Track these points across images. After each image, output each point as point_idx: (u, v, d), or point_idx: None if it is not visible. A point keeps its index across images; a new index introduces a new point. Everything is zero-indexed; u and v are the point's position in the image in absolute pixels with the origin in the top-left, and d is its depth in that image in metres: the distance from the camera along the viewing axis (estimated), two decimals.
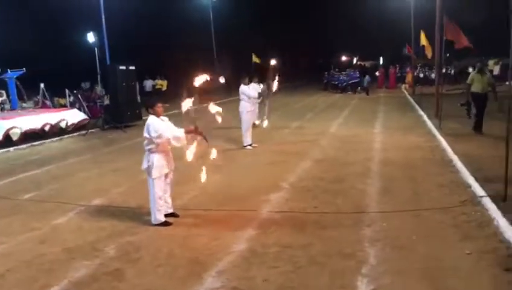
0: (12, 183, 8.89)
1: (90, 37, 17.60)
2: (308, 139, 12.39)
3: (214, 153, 6.00)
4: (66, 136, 14.94)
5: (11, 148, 12.74)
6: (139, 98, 19.37)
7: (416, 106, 19.25)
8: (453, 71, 35.72)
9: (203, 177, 6.00)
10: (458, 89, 23.10)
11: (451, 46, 12.86)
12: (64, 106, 18.52)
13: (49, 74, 20.71)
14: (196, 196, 7.22)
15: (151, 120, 5.74)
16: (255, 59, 25.40)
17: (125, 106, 16.64)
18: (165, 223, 5.89)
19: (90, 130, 15.69)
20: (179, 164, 6.20)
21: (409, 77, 32.75)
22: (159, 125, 5.67)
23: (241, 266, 4.62)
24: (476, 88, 11.42)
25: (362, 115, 17.83)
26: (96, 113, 17.76)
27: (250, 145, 11.22)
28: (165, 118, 5.97)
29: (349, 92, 30.75)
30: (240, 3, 43.81)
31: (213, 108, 6.04)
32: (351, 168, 8.69)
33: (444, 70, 29.64)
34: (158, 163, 5.81)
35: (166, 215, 6.01)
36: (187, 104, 5.58)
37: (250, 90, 11.49)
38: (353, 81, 31.55)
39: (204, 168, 6.01)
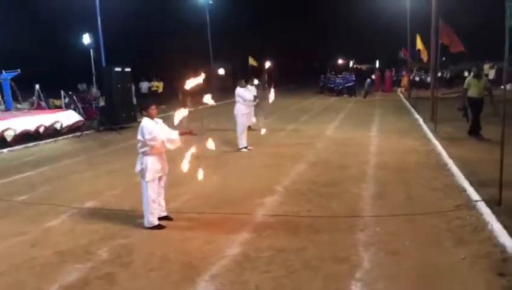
0: (6, 184, 8.83)
1: (86, 39, 17.53)
2: (303, 142, 12.37)
3: (210, 144, 5.93)
4: (60, 137, 14.87)
5: (5, 150, 12.67)
6: (134, 99, 19.35)
7: (412, 110, 19.28)
8: (448, 75, 35.81)
9: (200, 176, 5.95)
10: (454, 93, 23.23)
11: (447, 50, 12.88)
12: (59, 107, 18.44)
13: (45, 75, 20.62)
14: (190, 198, 7.19)
15: (145, 122, 5.71)
16: (251, 62, 25.37)
17: (120, 107, 16.60)
18: (158, 227, 5.85)
19: (85, 132, 15.64)
20: (172, 167, 6.16)
21: (404, 81, 32.79)
22: (153, 128, 5.64)
23: (235, 270, 4.59)
24: (472, 93, 11.40)
25: (358, 118, 17.84)
26: (91, 115, 17.69)
27: (245, 147, 11.19)
28: (160, 120, 5.93)
29: (345, 95, 30.77)
30: (236, 5, 43.81)
31: (207, 99, 5.97)
32: (345, 172, 8.67)
33: (439, 74, 29.75)
34: (152, 166, 5.77)
35: (159, 219, 5.98)
36: (180, 114, 5.56)
37: (246, 92, 11.48)
38: (349, 84, 31.56)
39: (199, 170, 5.96)
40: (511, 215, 5.59)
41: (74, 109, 17.66)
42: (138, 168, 5.85)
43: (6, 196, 7.87)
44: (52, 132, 14.85)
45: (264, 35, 49.42)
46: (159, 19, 33.96)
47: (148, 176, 5.76)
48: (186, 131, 5.81)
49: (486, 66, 28.13)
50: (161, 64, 30.58)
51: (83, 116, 17.17)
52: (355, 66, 72.63)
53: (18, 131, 13.46)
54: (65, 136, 15.09)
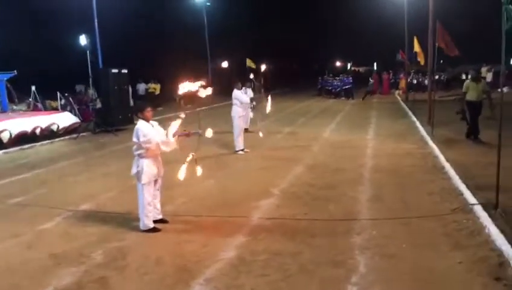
0: (1, 186, 8.78)
1: (83, 40, 17.48)
2: (300, 144, 12.35)
3: (209, 132, 5.89)
4: (57, 139, 14.81)
5: (0, 151, 12.59)
6: (131, 101, 19.30)
7: (409, 112, 19.28)
8: (444, 78, 35.87)
9: (199, 172, 5.89)
10: (451, 95, 23.24)
11: (443, 52, 12.92)
12: (55, 109, 18.36)
13: (41, 76, 20.54)
14: (186, 201, 7.15)
15: (140, 125, 5.68)
16: (249, 64, 25.37)
17: (117, 109, 16.55)
18: (154, 230, 5.82)
19: (81, 134, 15.58)
20: (168, 169, 6.12)
21: (402, 83, 32.84)
22: (147, 130, 5.61)
23: (230, 274, 4.56)
24: (470, 96, 11.35)
25: (355, 120, 17.83)
26: (87, 117, 17.63)
27: (242, 150, 11.16)
28: (155, 123, 5.91)
29: (343, 98, 30.77)
30: (234, 6, 43.83)
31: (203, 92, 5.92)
32: (342, 175, 8.65)
33: (436, 77, 29.80)
34: (148, 168, 5.74)
35: (155, 222, 5.94)
36: (175, 126, 5.54)
37: (243, 95, 11.47)
38: (346, 86, 31.57)
39: (197, 168, 5.92)
40: (507, 219, 5.57)
41: (70, 111, 17.58)
42: (134, 170, 5.82)
43: (1, 198, 7.82)
44: (48, 134, 14.78)
45: (262, 37, 49.43)
46: (156, 20, 33.92)
47: (144, 178, 5.73)
48: (182, 133, 5.77)
49: (483, 69, 28.11)
50: (159, 66, 30.55)
51: (79, 118, 17.09)
52: (353, 68, 72.88)
53: (14, 133, 13.39)
54: (61, 138, 15.02)
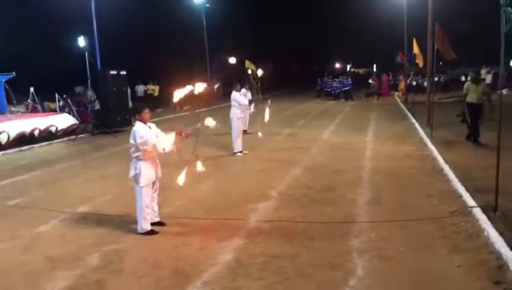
0: None
1: (81, 42, 17.45)
2: (299, 146, 12.32)
3: (210, 121, 5.88)
4: (55, 141, 14.78)
5: None
6: (130, 103, 19.27)
7: (409, 114, 19.24)
8: (444, 79, 35.86)
9: (198, 167, 5.85)
10: (450, 97, 23.23)
11: (441, 56, 12.93)
12: (54, 111, 18.34)
13: (40, 78, 20.50)
14: (184, 203, 7.12)
15: (137, 127, 5.65)
16: (248, 65, 25.32)
17: (115, 111, 16.51)
18: (151, 232, 5.78)
19: (79, 135, 15.55)
20: (166, 171, 6.09)
21: (401, 85, 32.84)
22: (144, 132, 5.58)
23: (227, 277, 4.53)
24: (471, 98, 11.28)
25: (354, 122, 17.80)
26: (86, 118, 17.60)
27: (240, 152, 11.13)
28: (153, 125, 5.88)
29: (342, 99, 30.76)
30: (233, 8, 43.80)
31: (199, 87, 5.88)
32: (341, 177, 8.62)
33: (436, 79, 29.77)
34: (146, 171, 5.71)
35: (152, 224, 5.91)
36: (171, 140, 5.51)
37: (241, 97, 11.45)
38: (346, 88, 31.57)
39: (192, 174, 5.89)
40: (507, 221, 5.53)
41: (69, 112, 17.55)
42: (132, 173, 5.79)
43: None
44: (46, 135, 14.74)
45: (261, 39, 49.46)
46: (155, 22, 33.83)
47: (142, 181, 5.70)
48: (179, 134, 5.73)
49: (483, 71, 28.10)
50: (158, 67, 30.51)
51: (77, 120, 17.06)
52: (352, 70, 72.92)
53: (12, 134, 13.35)
54: (60, 140, 14.99)
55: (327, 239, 5.45)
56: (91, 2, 20.53)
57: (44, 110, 18.44)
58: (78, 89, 21.81)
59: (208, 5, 35.91)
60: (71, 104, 18.62)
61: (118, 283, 4.50)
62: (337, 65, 71.75)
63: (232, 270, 4.66)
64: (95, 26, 20.74)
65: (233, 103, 11.40)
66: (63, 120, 15.91)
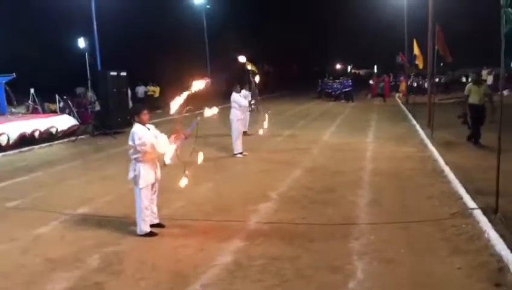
0: None
1: (81, 43, 17.45)
2: (300, 147, 12.31)
3: (209, 111, 5.86)
4: (55, 142, 14.75)
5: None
6: (131, 104, 19.26)
7: (409, 115, 19.23)
8: (444, 80, 35.86)
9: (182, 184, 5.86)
10: (450, 98, 23.21)
11: (440, 57, 12.93)
12: (54, 112, 18.34)
13: (40, 79, 20.50)
14: (183, 205, 7.10)
15: (136, 128, 5.64)
16: (249, 66, 25.29)
17: (115, 112, 16.49)
18: (150, 234, 5.77)
19: (79, 136, 15.53)
20: (165, 173, 6.08)
21: (402, 86, 32.82)
22: (142, 133, 5.57)
23: (226, 279, 4.51)
24: (473, 100, 11.19)
25: (355, 123, 17.78)
26: (86, 119, 17.59)
27: (240, 153, 11.11)
28: (152, 126, 5.87)
29: (343, 100, 30.76)
30: (234, 9, 43.80)
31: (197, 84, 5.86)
32: (341, 178, 8.60)
33: (436, 80, 29.75)
34: (145, 172, 5.70)
35: (152, 226, 5.89)
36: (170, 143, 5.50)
37: (241, 98, 11.44)
38: (346, 89, 31.57)
39: (192, 176, 5.89)
40: (507, 223, 5.51)
41: (69, 114, 17.55)
42: (131, 175, 5.77)
43: None
44: (47, 137, 14.73)
45: (262, 40, 49.45)
46: (156, 23, 33.85)
47: (142, 183, 5.68)
48: (178, 135, 5.71)
49: (484, 72, 28.12)
50: (158, 68, 30.52)
51: (77, 121, 17.05)
52: (353, 71, 72.93)
53: (12, 136, 13.33)
54: (60, 141, 14.98)
55: (327, 241, 5.43)
56: (91, 2, 20.52)
57: (44, 112, 18.43)
58: (79, 90, 21.81)
59: (208, 6, 35.93)
60: (71, 105, 18.62)
61: (117, 285, 4.48)
62: (338, 66, 71.80)
63: (231, 272, 4.65)
64: (95, 27, 20.75)
65: (233, 104, 11.38)
66: (63, 121, 15.90)
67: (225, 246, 5.35)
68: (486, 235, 5.28)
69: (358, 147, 11.99)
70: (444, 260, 4.79)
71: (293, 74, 63.00)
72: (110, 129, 15.86)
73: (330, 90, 33.46)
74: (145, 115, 5.76)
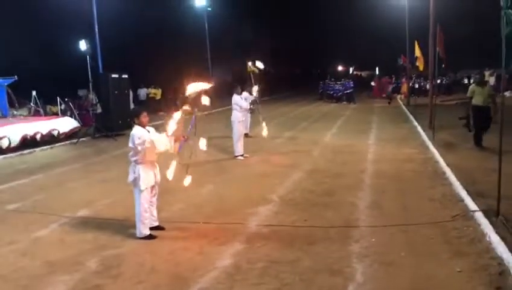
0: None
1: (82, 45, 17.47)
2: (300, 149, 12.28)
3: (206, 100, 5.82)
4: (57, 144, 14.75)
5: (0, 157, 12.53)
6: (132, 106, 19.27)
7: (411, 117, 19.18)
8: (445, 81, 35.78)
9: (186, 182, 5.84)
10: (452, 100, 23.16)
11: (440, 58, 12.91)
12: (56, 114, 18.36)
13: (42, 81, 20.53)
14: (183, 207, 7.08)
15: (135, 130, 5.62)
16: (250, 68, 25.27)
17: (117, 114, 16.50)
18: (150, 237, 5.75)
19: (81, 139, 15.54)
20: (165, 175, 6.05)
21: (404, 88, 32.79)
22: (142, 133, 5.55)
23: (225, 282, 4.48)
24: (477, 101, 11.05)
25: (356, 125, 17.74)
26: (88, 121, 17.60)
27: (241, 155, 11.08)
28: (151, 129, 5.85)
29: (344, 102, 30.72)
30: (234, 9, 43.81)
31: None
32: (342, 180, 8.57)
33: (438, 81, 29.67)
34: (144, 174, 5.68)
35: (151, 229, 5.88)
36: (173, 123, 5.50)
37: (243, 100, 11.43)
38: (348, 91, 31.53)
39: (191, 177, 5.86)
40: (509, 226, 5.47)
41: (70, 116, 17.57)
42: (131, 178, 5.76)
43: None
44: (49, 139, 14.73)
45: (263, 41, 49.45)
46: (157, 25, 33.88)
47: (142, 185, 5.66)
48: (178, 136, 5.69)
49: (486, 73, 28.03)
50: (160, 71, 30.52)
51: (79, 123, 17.05)
52: (355, 72, 72.87)
53: (14, 139, 13.31)
54: (61, 143, 14.97)
55: (327, 244, 5.40)
56: (93, 5, 20.55)
57: (46, 114, 18.45)
58: (82, 92, 21.85)
59: (209, 9, 35.93)
60: (73, 108, 18.63)
61: (116, 288, 4.46)
62: (340, 68, 71.72)
63: (230, 275, 4.62)
64: (96, 29, 20.76)
65: (234, 106, 11.38)
66: (65, 123, 15.91)
67: (225, 249, 5.33)
68: (487, 238, 5.24)
69: (359, 149, 11.96)
70: (445, 263, 4.75)
71: (294, 76, 62.97)
72: (111, 131, 15.86)
73: (332, 92, 33.42)
74: (144, 117, 5.75)
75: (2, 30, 21.78)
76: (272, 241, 5.55)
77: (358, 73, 74.69)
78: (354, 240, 5.46)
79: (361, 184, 8.25)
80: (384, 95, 33.87)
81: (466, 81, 35.04)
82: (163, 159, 5.88)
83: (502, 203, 5.91)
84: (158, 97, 26.96)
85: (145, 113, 5.78)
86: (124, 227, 6.18)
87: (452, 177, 8.09)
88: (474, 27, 39.29)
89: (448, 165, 9.07)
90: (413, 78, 34.22)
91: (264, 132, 11.51)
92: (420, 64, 18.99)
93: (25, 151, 13.36)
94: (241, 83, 13.11)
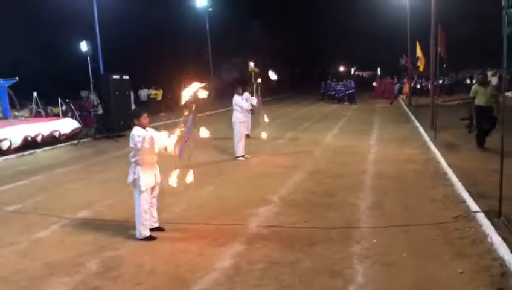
0: None
1: (83, 46, 17.49)
2: (302, 150, 12.25)
3: (203, 132, 5.79)
4: (58, 145, 14.75)
5: (1, 158, 12.52)
6: (133, 107, 19.27)
7: (413, 117, 19.14)
8: (447, 82, 35.73)
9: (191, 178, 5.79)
10: (454, 100, 23.12)
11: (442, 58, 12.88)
12: (57, 115, 18.36)
13: (43, 82, 20.54)
14: (184, 209, 7.06)
15: (136, 131, 5.60)
16: (251, 69, 25.26)
17: (118, 115, 16.50)
18: (150, 238, 5.73)
19: (82, 140, 15.53)
20: (166, 176, 6.03)
21: (406, 88, 32.75)
22: (142, 133, 5.53)
23: (225, 284, 4.46)
24: (479, 101, 10.97)
25: (358, 126, 17.72)
26: (89, 123, 17.60)
27: (242, 156, 11.06)
28: (151, 130, 5.82)
29: (346, 103, 30.69)
30: (236, 11, 43.83)
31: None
32: (343, 181, 8.54)
33: (440, 82, 29.63)
34: (144, 175, 5.66)
35: (151, 230, 5.86)
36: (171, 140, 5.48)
37: (244, 101, 11.41)
38: (349, 91, 31.50)
39: (192, 178, 5.82)
40: (511, 227, 5.44)
41: (71, 117, 17.57)
42: (130, 178, 5.74)
43: None
44: (50, 140, 14.73)
45: (265, 42, 49.47)
46: (158, 26, 33.89)
47: (142, 186, 5.64)
48: (179, 138, 5.66)
49: (489, 74, 27.99)
50: (161, 72, 30.53)
51: (80, 123, 17.05)
52: (356, 73, 72.80)
53: (15, 141, 13.30)
54: (62, 144, 14.97)
55: (328, 245, 5.37)
56: (93, 6, 20.57)
57: (47, 115, 18.46)
58: (84, 93, 21.86)
59: (210, 9, 35.93)
60: (74, 109, 18.63)
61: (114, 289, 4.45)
62: (341, 68, 71.68)
63: (230, 277, 4.60)
64: (97, 30, 20.77)
65: (235, 107, 11.36)
66: (66, 125, 15.89)
67: (225, 250, 5.30)
68: (489, 239, 5.21)
69: (360, 150, 11.92)
70: (447, 264, 4.72)
71: (296, 76, 62.95)
72: (112, 132, 15.86)
73: (333, 93, 33.40)
74: (145, 119, 5.72)
75: (3, 30, 21.81)
76: (272, 242, 5.53)
77: (360, 73, 74.58)
78: (355, 241, 5.44)
79: (363, 185, 8.22)
80: (386, 96, 33.86)
81: (468, 81, 34.95)
82: (165, 162, 5.84)
83: (504, 204, 5.89)
84: (159, 98, 26.98)
85: (145, 115, 5.76)
86: (124, 228, 6.16)
87: (454, 178, 8.06)
88: (476, 27, 39.22)
89: (449, 165, 9.04)
90: (415, 78, 34.18)
91: (263, 135, 11.49)
92: (421, 64, 18.97)
93: (26, 153, 13.36)
94: (242, 84, 13.09)
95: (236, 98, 11.40)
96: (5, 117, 16.58)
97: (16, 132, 13.58)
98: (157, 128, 6.05)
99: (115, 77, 16.83)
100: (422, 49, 19.02)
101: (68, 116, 17.51)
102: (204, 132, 5.82)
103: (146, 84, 27.05)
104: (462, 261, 4.77)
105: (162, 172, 5.93)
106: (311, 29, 63.79)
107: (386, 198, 7.28)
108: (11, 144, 13.15)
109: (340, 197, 7.46)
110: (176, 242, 5.63)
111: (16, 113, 17.71)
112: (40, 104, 18.57)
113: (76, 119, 17.43)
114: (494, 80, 27.53)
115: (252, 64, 12.35)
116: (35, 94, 18.23)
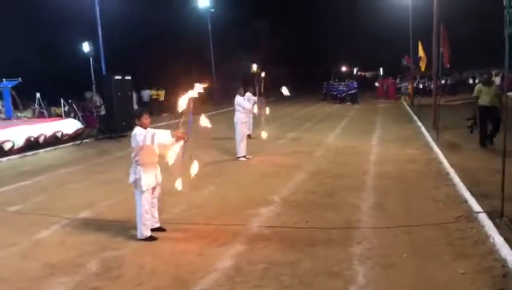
0: (1, 194, 8.71)
1: (85, 47, 17.52)
2: (303, 150, 12.22)
3: (203, 121, 5.69)
4: (60, 145, 14.78)
5: (4, 159, 12.55)
6: (136, 107, 19.29)
7: (415, 117, 19.10)
8: (450, 82, 35.67)
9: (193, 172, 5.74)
10: (457, 100, 23.06)
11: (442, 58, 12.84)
12: (60, 116, 18.40)
13: (46, 83, 20.59)
14: (185, 209, 7.05)
15: (137, 130, 5.58)
16: (253, 69, 25.28)
17: (120, 115, 16.52)
18: (151, 238, 5.72)
19: (84, 140, 15.55)
20: (167, 176, 6.03)
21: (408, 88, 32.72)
22: (142, 131, 5.51)
23: (225, 284, 4.45)
24: (483, 101, 10.90)
25: (360, 126, 17.69)
26: (91, 123, 17.63)
27: (243, 156, 11.05)
28: (152, 130, 5.80)
29: (348, 103, 30.66)
30: (237, 12, 43.82)
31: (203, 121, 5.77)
32: (345, 182, 8.52)
33: (443, 82, 29.56)
34: (146, 175, 5.65)
35: (152, 230, 5.85)
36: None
37: (245, 101, 11.40)
38: (352, 91, 31.47)
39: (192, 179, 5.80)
40: None
41: (74, 117, 17.60)
42: (132, 178, 5.73)
43: (0, 205, 7.75)
44: (52, 140, 14.75)
45: (267, 42, 49.44)
46: (161, 27, 33.94)
47: (143, 186, 5.64)
48: (179, 135, 5.62)
49: (493, 73, 27.96)
50: (163, 72, 30.58)
51: (82, 124, 17.08)
52: (359, 73, 72.71)
53: (18, 141, 13.31)
54: (65, 145, 15.00)
55: (329, 245, 5.36)
56: (96, 7, 20.61)
57: (50, 115, 18.50)
58: (88, 94, 21.89)
59: (212, 10, 35.99)
60: (76, 110, 18.66)
61: None
62: (344, 68, 71.60)
63: (230, 277, 4.59)
64: (99, 31, 20.81)
65: (237, 107, 11.34)
66: (69, 125, 15.93)
67: (226, 250, 5.29)
68: (491, 240, 5.18)
69: (362, 150, 11.89)
70: (448, 265, 4.70)
71: (298, 76, 62.88)
72: (114, 133, 15.88)
73: (336, 93, 33.37)
74: (146, 119, 5.72)
75: (3, 30, 21.86)
76: (272, 242, 5.51)
77: (362, 74, 74.50)
78: (356, 242, 5.42)
79: (364, 185, 8.20)
80: (389, 96, 33.82)
81: (471, 81, 34.90)
82: (166, 164, 5.82)
83: (506, 205, 5.85)
84: (161, 99, 27.01)
85: (146, 115, 5.75)
86: (125, 228, 6.16)
87: (456, 178, 8.02)
88: (478, 26, 39.13)
89: (452, 166, 9.01)
90: (417, 78, 34.12)
91: (263, 134, 11.47)
92: (422, 64, 18.92)
93: (28, 153, 13.38)
94: (245, 84, 13.07)
95: (238, 99, 11.38)
96: (8, 118, 16.62)
97: (18, 132, 13.60)
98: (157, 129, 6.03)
99: (117, 77, 16.87)
100: (424, 49, 18.97)
101: (71, 117, 17.51)
102: (204, 121, 5.68)
103: (148, 85, 27.08)
104: (463, 262, 4.74)
105: (163, 173, 5.92)
106: (313, 29, 63.78)
107: (387, 198, 7.26)
108: (13, 145, 13.17)
109: (342, 197, 7.44)
110: (177, 242, 5.62)
111: (19, 114, 17.77)
112: (43, 104, 18.60)
113: (78, 120, 17.46)
114: (497, 80, 27.48)
115: (255, 66, 12.32)
116: (38, 95, 18.28)
